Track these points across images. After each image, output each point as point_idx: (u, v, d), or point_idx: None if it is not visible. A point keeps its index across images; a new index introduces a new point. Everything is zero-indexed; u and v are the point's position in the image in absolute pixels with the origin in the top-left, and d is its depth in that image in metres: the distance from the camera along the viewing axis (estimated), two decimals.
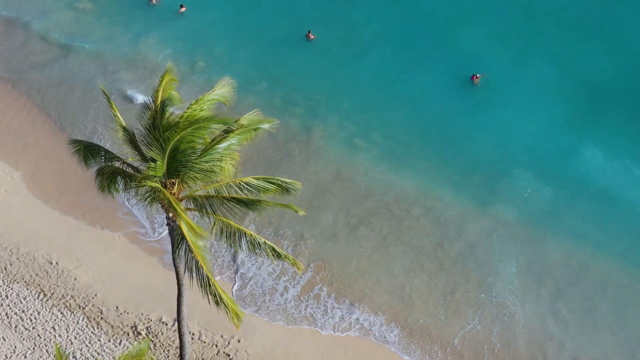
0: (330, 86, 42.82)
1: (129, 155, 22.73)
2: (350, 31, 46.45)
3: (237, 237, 22.21)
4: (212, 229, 22.10)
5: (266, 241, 22.32)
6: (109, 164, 22.74)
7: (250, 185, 22.36)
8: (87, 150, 23.18)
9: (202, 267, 21.09)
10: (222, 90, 23.30)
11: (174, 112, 22.87)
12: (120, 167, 22.56)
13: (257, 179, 22.61)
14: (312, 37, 45.27)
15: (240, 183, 22.32)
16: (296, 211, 22.80)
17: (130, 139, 22.47)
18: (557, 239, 34.73)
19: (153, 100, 22.19)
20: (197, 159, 21.35)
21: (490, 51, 44.30)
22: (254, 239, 22.19)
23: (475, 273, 33.45)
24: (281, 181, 22.79)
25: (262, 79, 42.95)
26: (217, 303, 21.49)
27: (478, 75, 41.91)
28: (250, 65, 44.06)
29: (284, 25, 46.93)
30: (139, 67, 44.75)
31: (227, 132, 21.98)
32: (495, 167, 38.04)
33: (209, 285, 21.15)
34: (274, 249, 22.30)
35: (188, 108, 22.35)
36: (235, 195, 22.24)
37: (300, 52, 45.04)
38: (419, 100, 41.85)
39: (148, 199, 20.98)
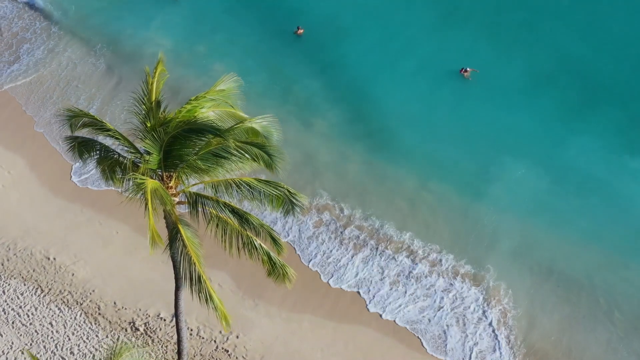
0: (320, 81, 42.58)
1: (126, 150, 22.47)
2: (338, 25, 46.14)
3: (233, 238, 21.73)
4: (206, 225, 21.76)
5: (262, 244, 21.81)
6: (105, 157, 22.50)
7: (251, 187, 21.61)
8: (82, 146, 22.88)
9: (194, 263, 20.79)
10: (226, 87, 22.64)
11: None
12: (117, 159, 22.33)
13: (260, 181, 21.72)
14: (300, 31, 45.26)
15: (240, 182, 21.75)
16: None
17: (125, 138, 22.25)
18: (547, 229, 34.71)
19: (147, 93, 21.91)
20: (195, 157, 21.08)
21: (480, 44, 43.98)
22: (251, 242, 21.75)
23: (470, 251, 34.03)
24: (287, 190, 21.60)
25: (251, 75, 42.57)
26: (206, 302, 21.15)
27: (468, 70, 41.64)
28: (240, 62, 43.54)
29: (273, 20, 46.65)
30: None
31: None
32: (486, 159, 37.91)
33: (200, 282, 20.82)
34: (269, 256, 21.80)
35: (187, 103, 22.05)
36: (230, 203, 21.60)
37: (290, 47, 44.85)
38: (409, 93, 41.60)
39: (136, 192, 20.66)
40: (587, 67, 42.23)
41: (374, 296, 32.34)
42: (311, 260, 33.91)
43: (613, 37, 43.93)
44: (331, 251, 34.30)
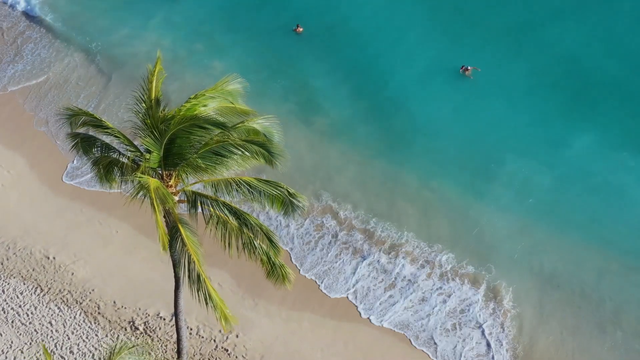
0: (320, 79, 42.40)
1: (125, 148, 22.41)
2: (337, 23, 45.90)
3: (232, 237, 21.61)
4: (206, 224, 21.69)
5: (261, 244, 21.69)
6: (105, 154, 22.43)
7: (251, 187, 21.49)
8: (84, 142, 22.85)
9: (194, 261, 20.66)
10: (230, 88, 22.63)
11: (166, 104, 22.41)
12: (117, 158, 22.27)
13: (260, 181, 21.68)
14: (300, 30, 45.10)
15: (239, 181, 21.62)
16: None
17: (124, 136, 22.18)
18: (548, 229, 34.55)
19: (147, 91, 21.88)
20: (195, 155, 21.01)
21: (482, 42, 43.77)
22: (250, 241, 21.60)
23: (470, 252, 33.79)
24: (287, 190, 21.55)
25: (250, 73, 42.24)
26: (206, 302, 21.04)
27: (469, 68, 41.50)
28: (238, 60, 43.44)
29: (271, 19, 46.52)
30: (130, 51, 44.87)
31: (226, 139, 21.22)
32: (487, 157, 37.77)
33: (199, 281, 20.71)
34: (268, 256, 21.68)
35: (187, 102, 22.03)
36: (229, 203, 21.53)
37: (289, 45, 44.69)
38: (410, 91, 41.40)
39: (138, 192, 20.53)
40: (589, 65, 41.99)
41: (361, 302, 31.99)
42: (309, 269, 33.40)
43: (615, 35, 43.71)
44: (328, 256, 33.95)
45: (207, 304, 21.06)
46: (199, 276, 20.68)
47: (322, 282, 32.82)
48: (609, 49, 42.88)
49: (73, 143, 23.06)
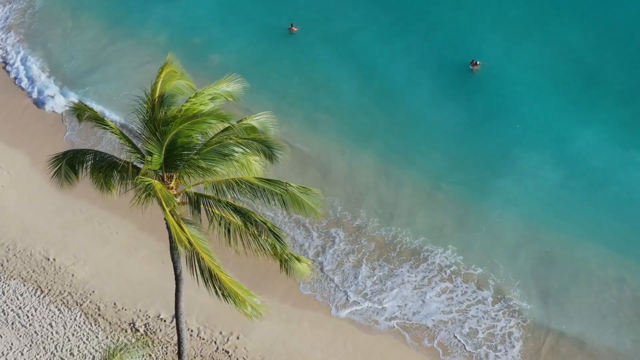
0: (319, 78, 42.41)
1: (124, 151, 22.33)
2: (336, 20, 45.89)
3: (237, 236, 21.43)
4: (209, 224, 21.61)
5: (267, 239, 21.73)
6: (101, 162, 22.24)
7: (252, 186, 21.19)
8: (72, 161, 22.24)
9: (202, 259, 20.47)
10: (229, 87, 22.62)
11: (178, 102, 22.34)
12: (114, 161, 22.17)
13: (260, 180, 21.27)
14: (294, 29, 44.90)
15: (240, 181, 21.32)
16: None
17: (125, 136, 22.10)
18: (554, 225, 34.54)
19: (151, 92, 21.85)
20: (196, 155, 20.97)
21: (487, 37, 43.80)
22: (255, 237, 21.43)
23: (478, 253, 33.64)
24: (289, 185, 21.14)
25: (246, 72, 42.33)
26: (224, 297, 20.76)
27: (478, 63, 41.38)
28: (236, 58, 43.50)
29: (265, 19, 46.52)
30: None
31: (229, 136, 21.08)
32: (493, 152, 37.89)
33: (212, 279, 20.44)
34: (275, 250, 21.63)
35: (187, 101, 21.99)
36: (230, 202, 21.24)
37: (284, 45, 44.67)
38: (415, 88, 41.40)
39: (145, 195, 20.42)
40: (596, 60, 41.97)
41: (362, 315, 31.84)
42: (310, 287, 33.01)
43: (622, 31, 43.64)
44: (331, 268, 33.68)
45: (227, 300, 20.71)
46: (211, 273, 20.38)
47: (331, 304, 32.31)
48: (616, 45, 42.81)
49: (56, 169, 22.40)
